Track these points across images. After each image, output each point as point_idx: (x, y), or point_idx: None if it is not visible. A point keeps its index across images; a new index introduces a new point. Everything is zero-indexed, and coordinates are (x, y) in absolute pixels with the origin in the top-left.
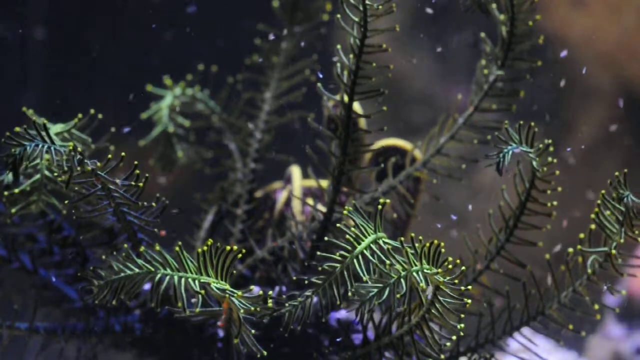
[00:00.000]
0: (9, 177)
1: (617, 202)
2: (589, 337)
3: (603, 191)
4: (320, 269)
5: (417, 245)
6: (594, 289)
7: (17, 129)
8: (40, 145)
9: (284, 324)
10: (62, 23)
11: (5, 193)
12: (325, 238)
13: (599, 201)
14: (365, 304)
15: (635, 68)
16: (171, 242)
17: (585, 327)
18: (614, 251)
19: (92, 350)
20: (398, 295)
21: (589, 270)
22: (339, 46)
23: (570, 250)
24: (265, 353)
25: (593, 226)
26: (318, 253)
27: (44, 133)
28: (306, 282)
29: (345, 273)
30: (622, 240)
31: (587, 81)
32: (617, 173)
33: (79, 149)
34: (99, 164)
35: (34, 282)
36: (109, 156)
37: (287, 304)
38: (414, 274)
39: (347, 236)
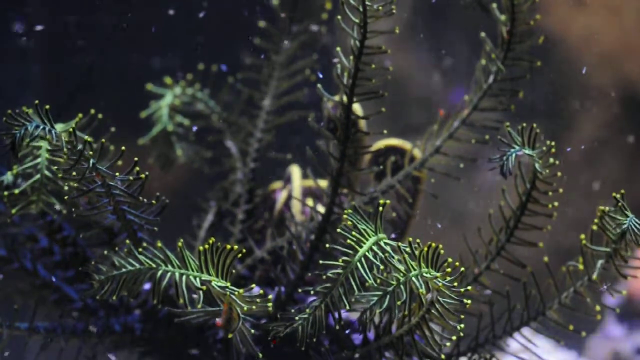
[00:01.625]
0: (8, 178)
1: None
2: (589, 337)
3: (601, 207)
4: (324, 277)
5: (416, 249)
6: (595, 289)
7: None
8: (41, 127)
9: (298, 339)
10: (61, 22)
11: (5, 193)
12: (327, 245)
13: (600, 209)
14: (367, 312)
15: (635, 68)
16: (171, 242)
17: (585, 327)
18: (595, 277)
19: (92, 350)
20: (398, 303)
21: (594, 276)
22: (338, 48)
23: (581, 266)
24: (260, 355)
25: (595, 227)
26: (320, 261)
27: (44, 117)
28: (312, 292)
29: (350, 277)
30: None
31: (587, 81)
32: (614, 194)
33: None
34: (93, 142)
35: (33, 282)
36: (92, 144)
37: (297, 318)
38: (413, 279)
39: (349, 240)
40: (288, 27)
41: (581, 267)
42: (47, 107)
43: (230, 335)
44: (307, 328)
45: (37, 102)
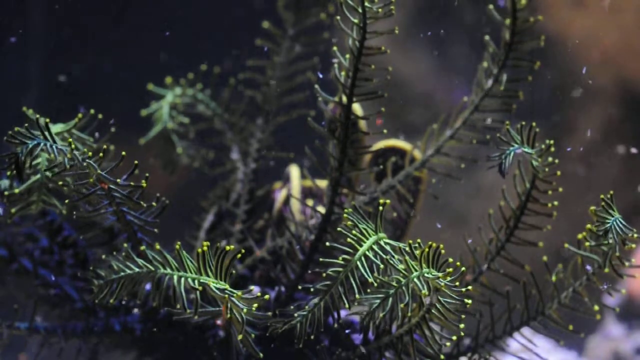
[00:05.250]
0: (5, 182)
1: (602, 236)
2: (589, 337)
3: (592, 208)
4: (324, 275)
5: (417, 250)
6: (594, 289)
7: (17, 129)
8: (42, 143)
9: (296, 336)
10: (62, 22)
11: (6, 193)
12: (327, 243)
13: (591, 210)
14: (369, 316)
15: (635, 68)
16: (171, 242)
17: (585, 327)
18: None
19: (92, 350)
20: (402, 305)
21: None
22: (335, 47)
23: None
24: (261, 355)
25: (589, 226)
26: (320, 259)
27: (46, 132)
28: (312, 290)
29: (350, 276)
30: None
31: (587, 81)
32: (602, 196)
33: (84, 150)
34: (90, 148)
35: (34, 281)
36: (100, 150)
37: (296, 315)
38: (415, 280)
39: (349, 239)
40: (290, 28)
41: (579, 259)
42: (48, 120)
43: (240, 337)
44: (305, 326)
45: (37, 116)
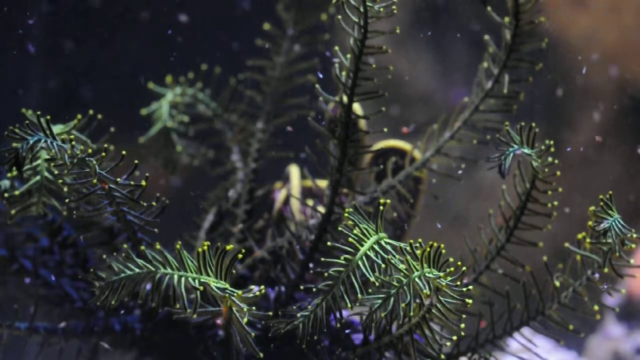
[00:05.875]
0: (5, 183)
1: (602, 236)
2: (589, 337)
3: (592, 208)
4: (325, 274)
5: (417, 250)
6: (594, 289)
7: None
8: (42, 140)
9: (299, 337)
10: (62, 22)
11: (6, 195)
12: (328, 243)
13: (591, 209)
14: (371, 316)
15: (635, 67)
16: (171, 241)
17: (585, 327)
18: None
19: (92, 350)
20: (403, 305)
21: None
22: (336, 47)
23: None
24: (261, 355)
25: (591, 223)
26: (322, 259)
27: (46, 129)
28: (313, 289)
29: (352, 276)
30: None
31: (587, 81)
32: (601, 196)
33: (82, 147)
34: (90, 149)
35: (34, 281)
36: (100, 150)
37: (298, 315)
38: (416, 279)
39: (350, 239)
40: (291, 28)
41: (579, 258)
42: (48, 117)
43: (240, 332)
44: (307, 326)
45: (38, 113)
